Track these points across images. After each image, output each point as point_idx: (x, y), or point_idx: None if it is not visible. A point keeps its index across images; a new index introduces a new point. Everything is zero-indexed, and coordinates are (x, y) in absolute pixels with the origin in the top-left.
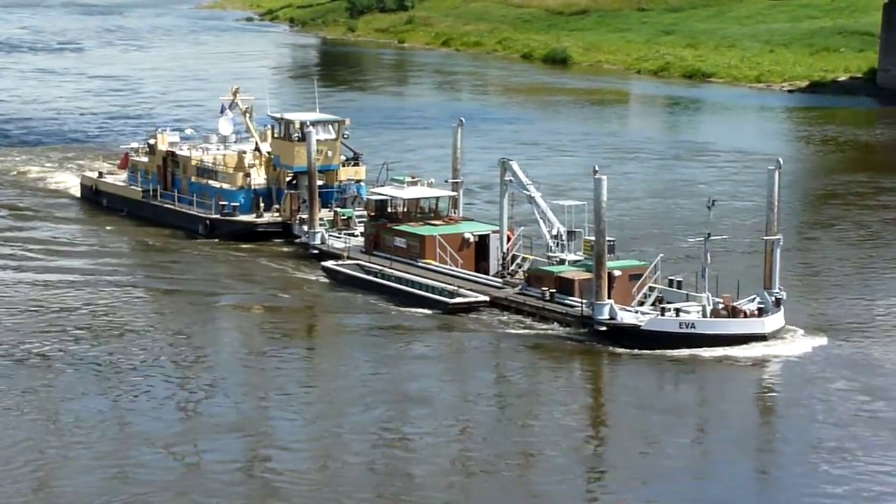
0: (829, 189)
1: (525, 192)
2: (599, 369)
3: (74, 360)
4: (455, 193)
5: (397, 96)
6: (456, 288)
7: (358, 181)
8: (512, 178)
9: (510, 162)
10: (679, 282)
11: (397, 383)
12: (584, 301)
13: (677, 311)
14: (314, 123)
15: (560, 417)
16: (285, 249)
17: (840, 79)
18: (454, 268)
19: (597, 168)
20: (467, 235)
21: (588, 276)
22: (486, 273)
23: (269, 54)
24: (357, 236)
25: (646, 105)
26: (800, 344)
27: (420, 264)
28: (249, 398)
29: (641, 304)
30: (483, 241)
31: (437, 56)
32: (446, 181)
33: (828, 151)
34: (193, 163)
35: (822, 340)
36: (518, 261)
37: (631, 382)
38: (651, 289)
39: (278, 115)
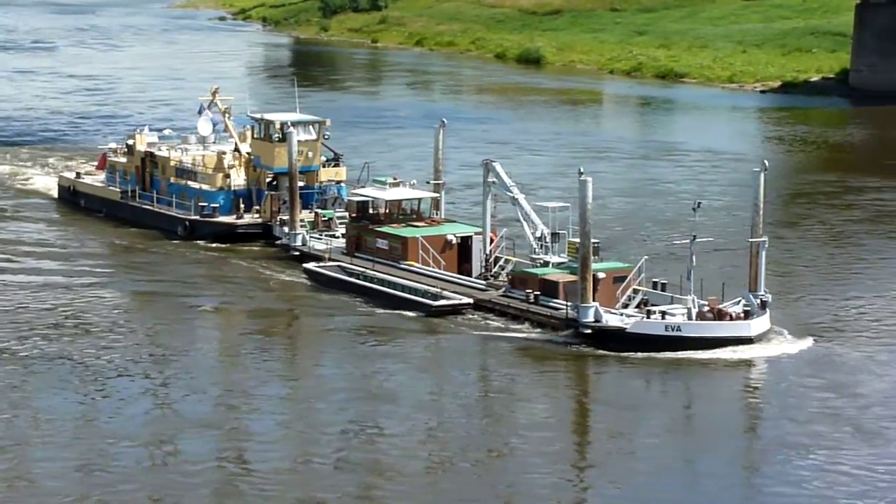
0: (799, 189)
1: (508, 193)
2: (584, 372)
3: (48, 361)
4: (437, 195)
5: (371, 96)
6: (439, 290)
7: (338, 182)
8: (495, 179)
9: (493, 163)
10: (664, 284)
11: (378, 385)
12: (568, 303)
13: (663, 313)
14: (295, 124)
15: (543, 421)
16: (266, 251)
17: (812, 79)
18: (437, 270)
19: (581, 169)
20: (450, 237)
21: (572, 278)
22: (469, 275)
23: (243, 54)
24: (338, 238)
25: (618, 105)
26: (786, 346)
27: (402, 266)
28: (225, 400)
29: (626, 306)
30: (465, 243)
31: (410, 56)
32: (428, 182)
33: (800, 151)
34: (172, 163)
35: (808, 343)
36: (501, 262)
37: (616, 385)
38: (635, 291)
39: (258, 116)
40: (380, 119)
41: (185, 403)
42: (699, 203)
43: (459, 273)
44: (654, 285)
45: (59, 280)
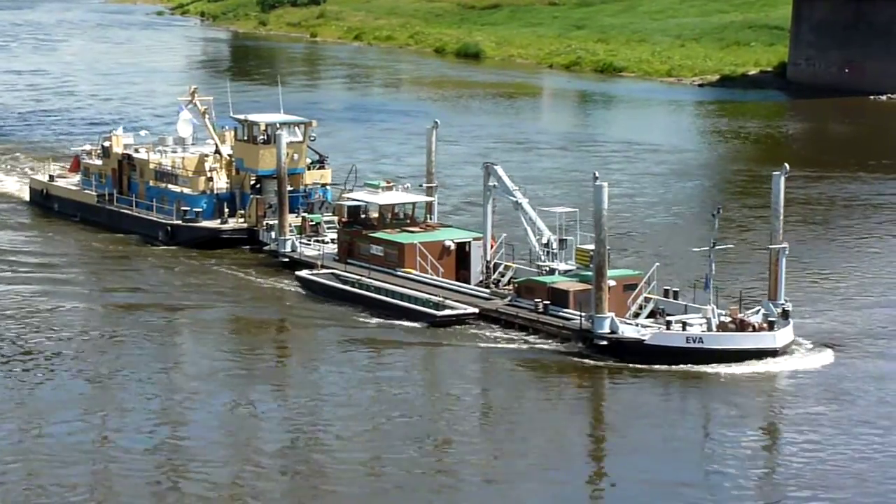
0: (734, 181)
1: (511, 198)
2: (600, 387)
3: (16, 380)
4: (431, 198)
5: (307, 90)
6: (441, 299)
7: (324, 185)
8: (496, 183)
9: (495, 167)
10: (676, 292)
11: (382, 401)
12: (582, 314)
13: (683, 324)
14: (280, 125)
15: (556, 439)
16: (253, 257)
17: (750, 73)
18: (436, 277)
19: (597, 174)
20: (448, 243)
21: (583, 286)
22: (467, 282)
23: (182, 48)
24: (327, 243)
25: (557, 99)
26: (813, 359)
27: (400, 274)
28: (223, 422)
29: (636, 315)
30: (462, 249)
31: (349, 50)
32: (420, 186)
33: (737, 145)
34: (151, 166)
35: (829, 355)
36: (500, 269)
37: (634, 401)
38: (647, 299)
39: (242, 117)
40: (316, 114)
41: (168, 426)
42: (719, 209)
43: (457, 280)
44: (666, 293)
45: (33, 289)
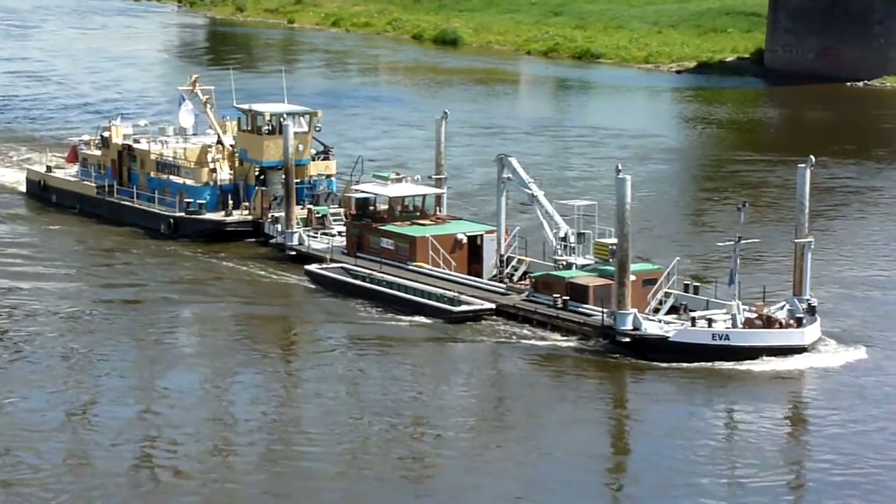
0: (714, 168)
1: (526, 190)
2: (623, 385)
3: (11, 377)
4: (442, 190)
5: (285, 76)
6: (456, 294)
7: (328, 176)
8: (511, 175)
9: (509, 158)
10: (696, 286)
11: (400, 401)
12: (603, 310)
13: (709, 321)
14: (286, 116)
15: (581, 439)
16: (258, 250)
17: (727, 59)
18: (449, 272)
19: (620, 167)
20: (460, 236)
21: (603, 281)
22: (479, 276)
23: (159, 35)
24: (334, 236)
25: (533, 86)
26: (841, 356)
27: (412, 268)
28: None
29: (656, 311)
30: (473, 242)
31: (327, 37)
32: (429, 177)
33: (715, 131)
34: (153, 157)
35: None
36: (514, 263)
37: (659, 400)
38: (667, 294)
39: (246, 107)
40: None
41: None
42: (745, 203)
43: (469, 274)
44: (686, 288)
45: (31, 284)
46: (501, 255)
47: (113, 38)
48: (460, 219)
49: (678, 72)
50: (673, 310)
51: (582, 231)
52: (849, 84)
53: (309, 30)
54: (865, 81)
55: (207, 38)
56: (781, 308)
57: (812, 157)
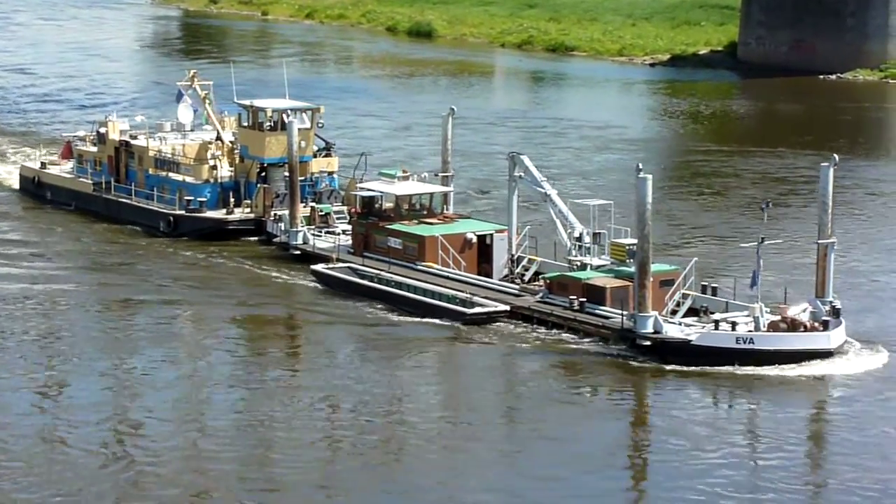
0: (688, 161)
1: (539, 189)
2: (644, 390)
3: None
4: (449, 188)
5: (258, 68)
6: (469, 295)
7: (330, 173)
8: (523, 173)
9: (521, 156)
10: (714, 288)
11: (418, 407)
12: (623, 312)
13: (733, 324)
14: (287, 112)
15: (602, 446)
16: (262, 249)
17: (701, 52)
18: (460, 272)
19: (640, 166)
20: (469, 235)
21: (620, 283)
22: (489, 276)
23: (133, 28)
24: (337, 234)
25: (505, 78)
26: (867, 360)
27: (421, 268)
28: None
29: (674, 312)
30: (483, 242)
31: (300, 29)
32: (436, 175)
33: (688, 124)
34: (151, 153)
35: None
36: (524, 263)
37: (682, 406)
38: (684, 296)
39: (247, 103)
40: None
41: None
42: (769, 202)
43: (478, 275)
44: (703, 289)
45: (25, 285)
46: (512, 255)
47: (85, 30)
48: (468, 217)
49: (652, 64)
50: (696, 312)
51: (598, 231)
52: (822, 77)
53: (283, 21)
54: (838, 74)
55: (182, 31)
56: (804, 310)
57: (835, 155)
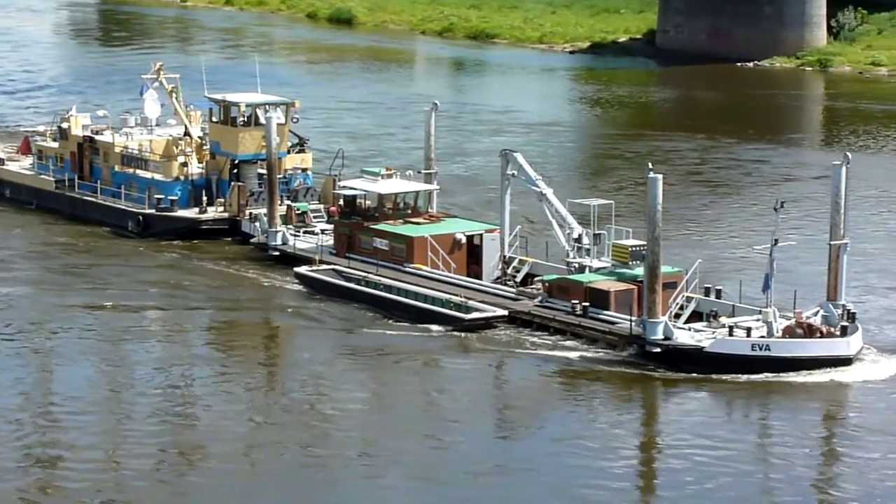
0: (607, 149)
1: (534, 188)
2: (655, 399)
3: None
4: (435, 186)
5: (184, 55)
6: (463, 299)
7: (304, 170)
8: (516, 171)
9: (514, 154)
10: (719, 290)
11: (418, 421)
12: (632, 318)
13: (748, 330)
14: (261, 106)
15: (611, 460)
16: (238, 250)
17: (620, 40)
18: (450, 274)
19: (651, 165)
20: (458, 236)
21: (624, 286)
22: (479, 278)
23: (48, 15)
24: (317, 234)
25: (425, 65)
26: (886, 367)
27: (410, 270)
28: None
29: (677, 316)
30: (471, 242)
31: (220, 15)
32: (419, 172)
33: (607, 111)
34: (117, 149)
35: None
36: (514, 264)
37: (694, 416)
38: (688, 299)
39: (219, 97)
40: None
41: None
42: (782, 203)
43: (467, 276)
44: (707, 292)
45: None
46: (504, 256)
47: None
48: (455, 216)
49: (571, 52)
50: (696, 315)
51: (598, 231)
52: (739, 64)
53: (202, 8)
54: (756, 62)
55: (99, 18)
56: (816, 314)
57: (848, 154)
